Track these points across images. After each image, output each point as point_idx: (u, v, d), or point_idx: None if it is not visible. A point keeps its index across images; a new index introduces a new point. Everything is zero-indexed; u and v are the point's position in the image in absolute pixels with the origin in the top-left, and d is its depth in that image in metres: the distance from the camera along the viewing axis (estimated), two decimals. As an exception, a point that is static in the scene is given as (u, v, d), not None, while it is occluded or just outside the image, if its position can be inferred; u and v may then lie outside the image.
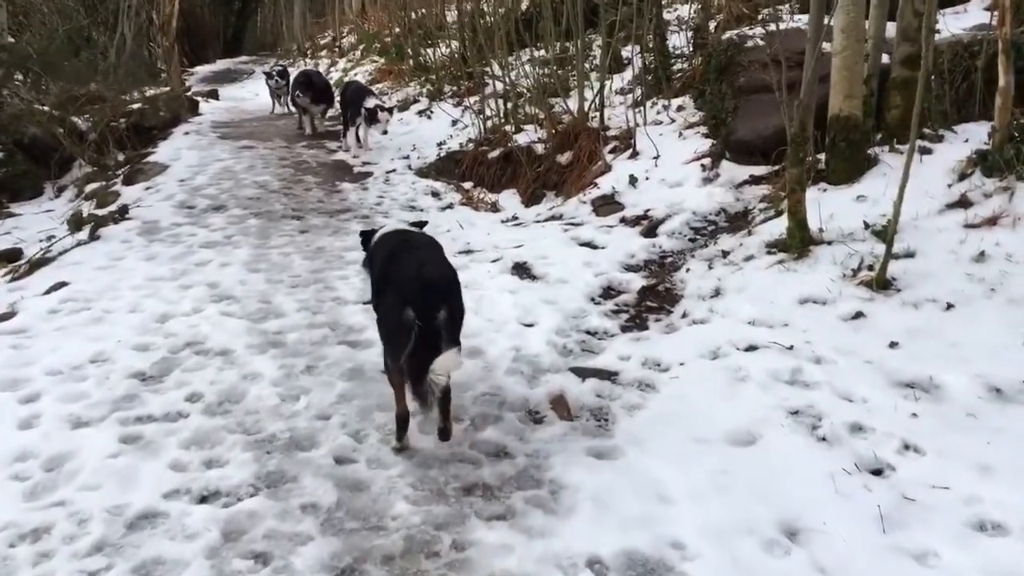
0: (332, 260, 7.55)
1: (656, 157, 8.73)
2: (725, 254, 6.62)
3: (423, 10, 18.07)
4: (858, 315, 5.37)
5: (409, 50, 16.87)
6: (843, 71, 6.85)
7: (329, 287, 6.82)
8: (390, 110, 11.57)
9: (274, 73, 16.29)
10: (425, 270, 4.32)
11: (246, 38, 45.10)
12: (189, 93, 18.20)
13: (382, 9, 24.13)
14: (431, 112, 13.18)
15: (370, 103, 11.46)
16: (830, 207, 6.49)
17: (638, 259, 7.07)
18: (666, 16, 12.38)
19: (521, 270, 6.94)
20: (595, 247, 7.35)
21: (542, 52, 13.36)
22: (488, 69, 12.65)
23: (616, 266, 6.91)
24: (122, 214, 9.03)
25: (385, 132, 11.50)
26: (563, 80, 11.40)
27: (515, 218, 9.32)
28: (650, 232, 7.47)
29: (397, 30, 19.86)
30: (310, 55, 28.11)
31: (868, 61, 7.29)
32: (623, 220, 7.87)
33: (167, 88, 19.98)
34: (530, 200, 9.78)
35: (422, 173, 10.93)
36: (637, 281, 6.64)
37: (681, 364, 5.17)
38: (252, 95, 21.14)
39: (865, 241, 6.04)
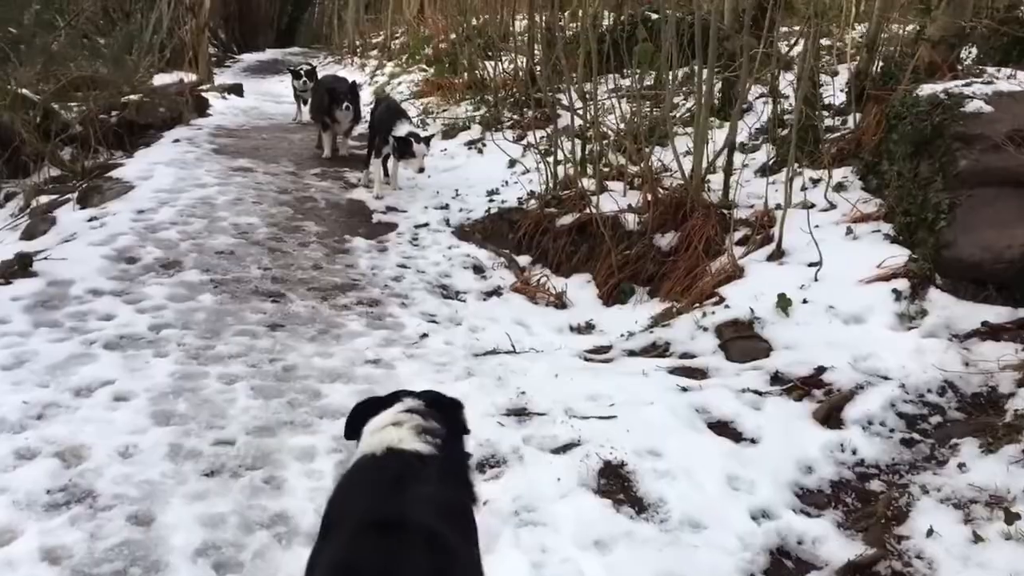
0: (300, 403, 4.53)
1: (816, 265, 5.60)
2: (1000, 506, 3.48)
3: (486, 16, 15.06)
4: None
5: (464, 61, 13.84)
6: None
7: (274, 480, 3.79)
8: (427, 140, 8.54)
9: (301, 72, 13.35)
10: None
11: (300, 29, 42.66)
12: (204, 87, 15.33)
13: (440, 12, 21.20)
14: (484, 144, 10.13)
15: (401, 130, 8.44)
16: None
17: (820, 477, 3.96)
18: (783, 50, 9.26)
19: (614, 482, 3.85)
20: (738, 437, 4.24)
21: (627, 82, 10.31)
22: (562, 96, 9.62)
23: (784, 493, 3.81)
24: (23, 267, 6.07)
25: (421, 170, 8.47)
26: (661, 122, 8.30)
27: (590, 327, 6.25)
28: (830, 416, 4.34)
29: (453, 36, 16.90)
30: (360, 54, 25.25)
31: None
32: (777, 379, 4.74)
33: (194, 76, 17.32)
34: (611, 296, 6.71)
35: (463, 233, 7.87)
36: (830, 539, 3.53)
37: None
38: (285, 92, 18.21)
39: None
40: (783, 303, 5.31)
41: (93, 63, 12.13)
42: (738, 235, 6.38)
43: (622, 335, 5.81)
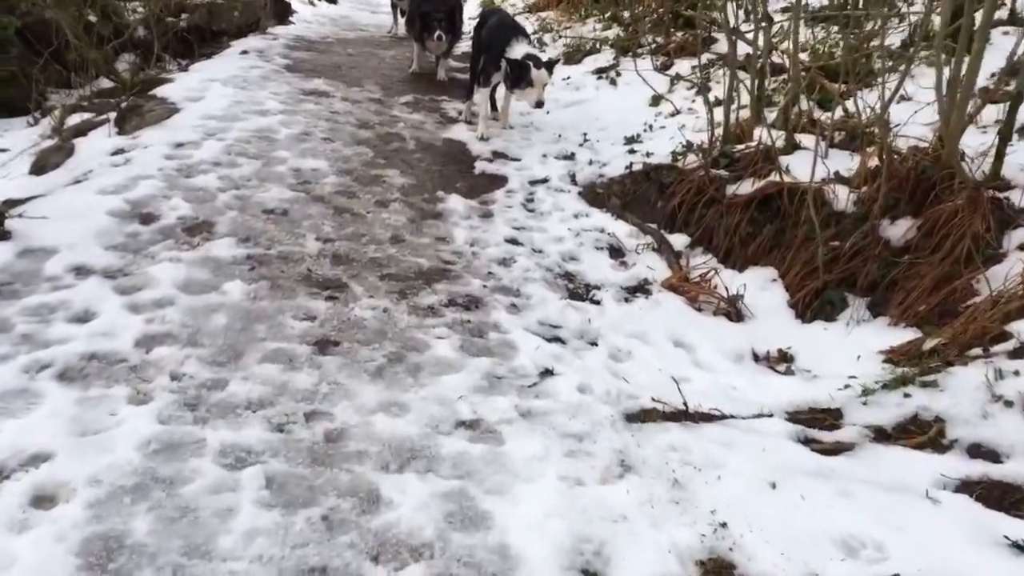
0: (344, 518, 2.66)
1: None
2: None
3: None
4: None
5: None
6: None
7: None
8: (549, 65, 6.39)
9: (400, -26, 11.24)
10: None
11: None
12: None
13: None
14: (618, 74, 7.94)
15: (516, 51, 6.36)
16: None
17: None
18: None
19: None
20: None
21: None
22: (718, 14, 7.35)
23: None
24: (-8, 225, 4.32)
25: (540, 104, 6.36)
26: (863, 55, 5.99)
27: (786, 359, 4.20)
28: None
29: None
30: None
31: None
32: None
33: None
34: (809, 306, 4.61)
35: (595, 196, 5.82)
36: None
37: None
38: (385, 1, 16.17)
39: None
40: None
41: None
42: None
43: (847, 386, 3.71)
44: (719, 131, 5.79)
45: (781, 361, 4.19)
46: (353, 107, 7.27)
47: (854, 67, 5.63)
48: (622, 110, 7.07)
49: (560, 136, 6.78)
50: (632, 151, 6.19)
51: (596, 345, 4.10)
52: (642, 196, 5.64)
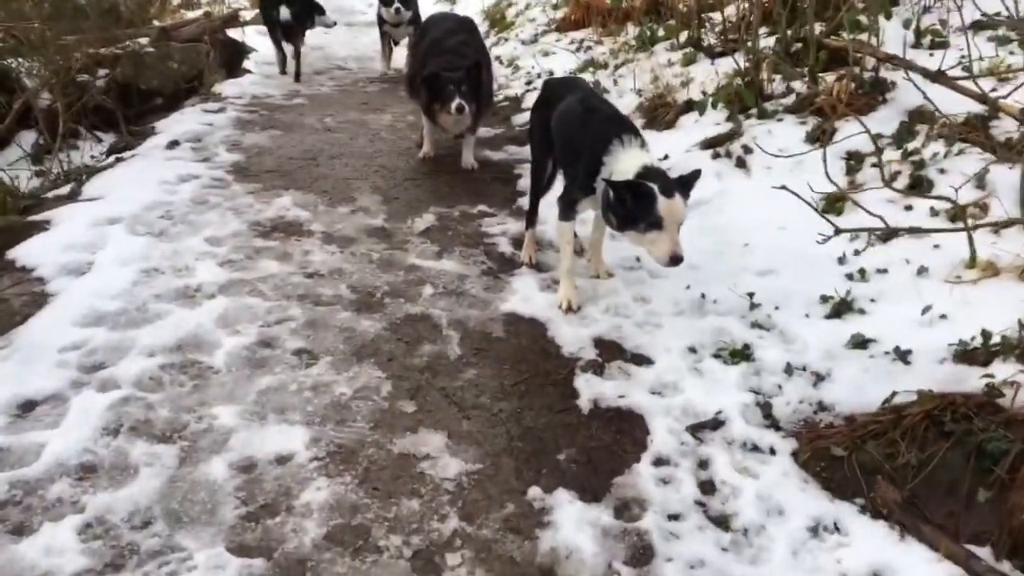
0: None
1: None
2: None
3: None
4: None
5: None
6: None
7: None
8: (686, 187, 3.45)
9: (395, -3, 8.21)
10: None
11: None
12: (242, 21, 10.24)
13: None
14: (747, 151, 4.94)
15: (624, 161, 3.47)
16: None
17: None
18: None
19: None
20: None
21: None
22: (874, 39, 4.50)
23: None
24: None
25: (676, 260, 3.40)
26: None
27: None
28: None
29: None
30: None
31: None
32: None
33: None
34: None
35: (827, 463, 2.89)
36: None
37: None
38: (360, 7, 13.10)
39: None
40: None
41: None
42: None
43: None
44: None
45: None
46: (343, 256, 4.30)
47: None
48: (781, 225, 4.15)
49: (702, 295, 3.84)
50: (859, 342, 3.27)
51: None
52: (936, 475, 2.74)
